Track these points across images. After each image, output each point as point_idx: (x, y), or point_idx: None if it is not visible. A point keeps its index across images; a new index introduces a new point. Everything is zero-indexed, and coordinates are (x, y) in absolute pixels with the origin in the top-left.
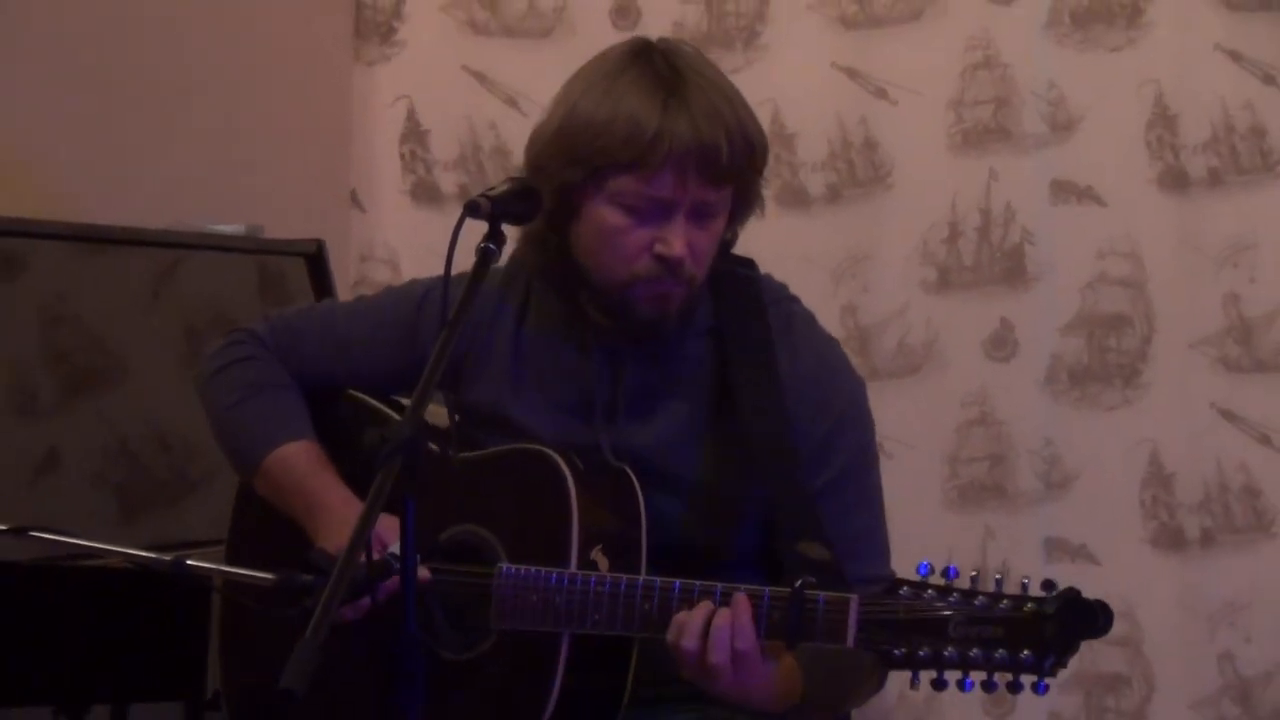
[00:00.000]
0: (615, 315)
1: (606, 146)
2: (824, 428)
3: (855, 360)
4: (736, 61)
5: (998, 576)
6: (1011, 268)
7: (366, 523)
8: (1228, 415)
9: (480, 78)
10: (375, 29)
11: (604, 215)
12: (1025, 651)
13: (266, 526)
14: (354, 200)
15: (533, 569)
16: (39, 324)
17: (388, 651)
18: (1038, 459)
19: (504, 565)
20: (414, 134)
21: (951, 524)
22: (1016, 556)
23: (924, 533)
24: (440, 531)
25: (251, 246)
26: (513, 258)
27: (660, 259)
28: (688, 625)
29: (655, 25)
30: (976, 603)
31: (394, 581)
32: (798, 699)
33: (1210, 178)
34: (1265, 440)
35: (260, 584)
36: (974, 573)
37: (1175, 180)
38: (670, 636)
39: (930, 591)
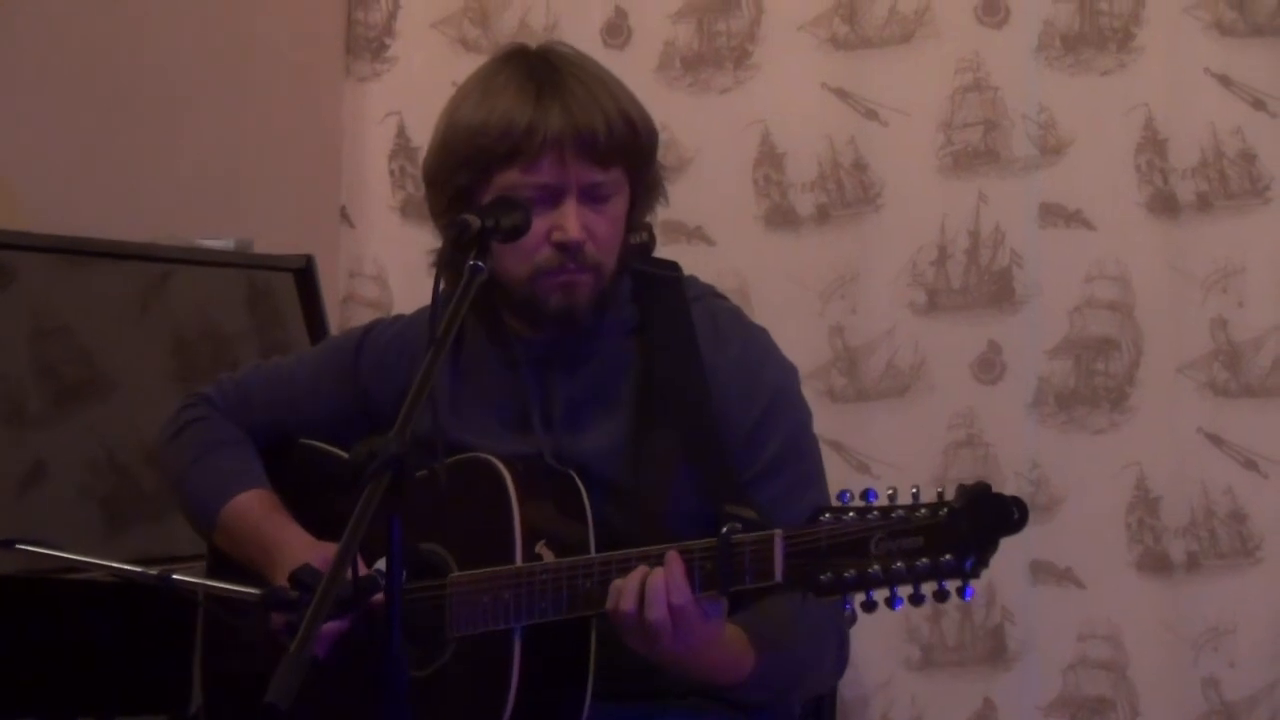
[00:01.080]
0: (528, 316)
1: (486, 145)
2: (753, 416)
3: (842, 382)
4: (727, 81)
5: (914, 489)
6: (1000, 290)
7: (353, 539)
8: (1214, 440)
9: None
10: (366, 45)
11: None
12: (946, 556)
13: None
14: (343, 216)
15: (480, 571)
16: (27, 336)
17: (369, 670)
18: (1024, 481)
19: (454, 574)
20: (404, 150)
21: None
22: (1001, 579)
23: None
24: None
25: (241, 261)
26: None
27: (559, 246)
28: (624, 588)
29: (646, 44)
30: (894, 515)
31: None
32: (748, 672)
33: (1199, 202)
34: (1251, 465)
35: (246, 599)
36: (890, 490)
37: (1164, 204)
38: (610, 604)
39: (851, 514)
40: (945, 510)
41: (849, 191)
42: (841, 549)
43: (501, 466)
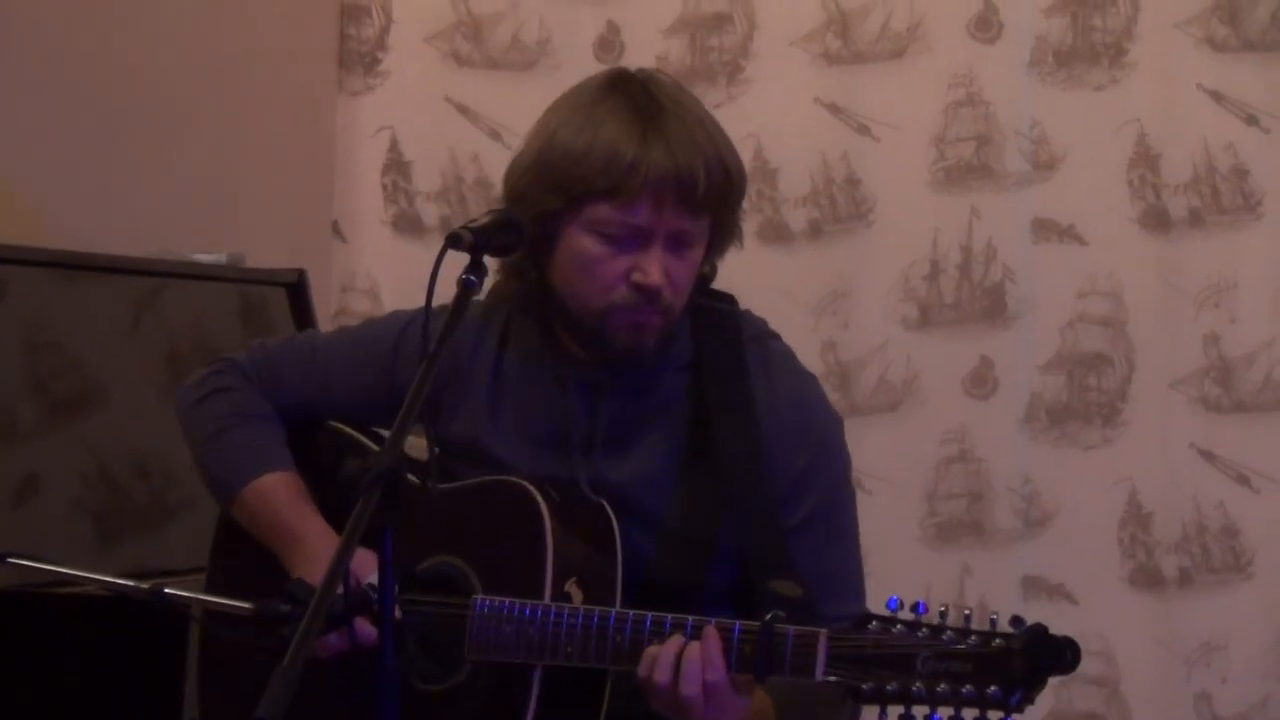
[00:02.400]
0: (591, 345)
1: (584, 175)
2: (800, 464)
3: (834, 397)
4: (719, 96)
5: (966, 612)
6: (992, 305)
7: (344, 554)
8: (1206, 455)
9: (463, 110)
10: (359, 60)
11: (581, 243)
12: (992, 687)
13: (248, 554)
14: (336, 230)
15: (506, 601)
16: (19, 350)
17: (364, 683)
18: (1016, 497)
19: (478, 597)
20: (396, 165)
21: (929, 561)
22: (994, 594)
23: (901, 569)
24: (417, 562)
25: (233, 275)
26: (493, 289)
27: (637, 287)
28: (660, 658)
29: (638, 58)
30: (944, 638)
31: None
32: None
33: (1191, 218)
34: (1243, 480)
35: (238, 613)
36: (943, 608)
37: (1157, 220)
38: (642, 671)
39: (899, 627)
40: (999, 642)
41: (841, 206)
42: (886, 661)
43: (539, 497)
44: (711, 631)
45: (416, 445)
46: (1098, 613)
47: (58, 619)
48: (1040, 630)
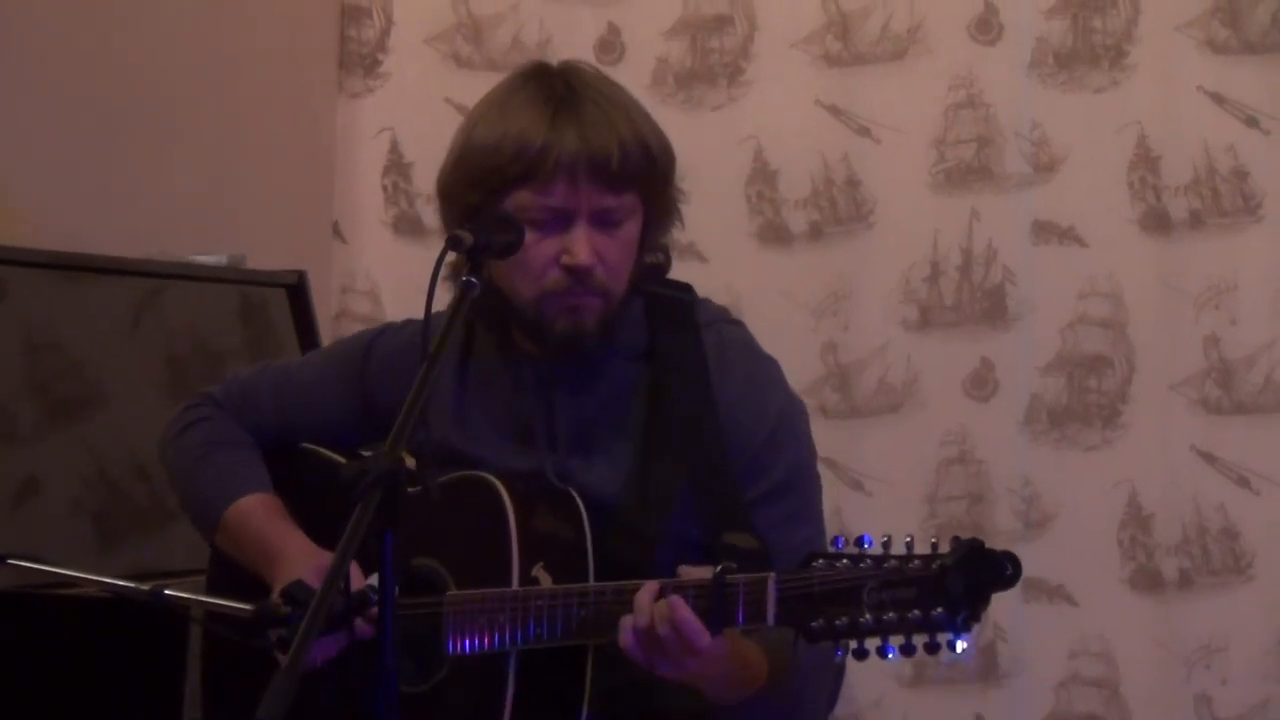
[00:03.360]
0: (537, 337)
1: (498, 164)
2: (758, 440)
3: (835, 398)
4: (720, 98)
5: (907, 538)
6: (992, 307)
7: (345, 555)
8: (1207, 457)
9: (464, 111)
10: (359, 61)
11: None
12: (937, 609)
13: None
14: (336, 232)
15: (476, 591)
16: (19, 351)
17: (362, 684)
18: (1016, 499)
19: (451, 593)
20: (397, 166)
21: None
22: (994, 596)
23: None
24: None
25: (233, 277)
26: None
27: (568, 270)
28: (635, 617)
29: (639, 61)
30: (887, 566)
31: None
32: (759, 688)
33: (1192, 220)
34: (1244, 482)
35: (238, 614)
36: (885, 538)
37: (1157, 222)
38: (623, 640)
39: (844, 561)
40: (938, 563)
41: (842, 208)
42: (834, 596)
43: (500, 486)
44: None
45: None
46: (1098, 614)
47: (58, 620)
48: (976, 545)
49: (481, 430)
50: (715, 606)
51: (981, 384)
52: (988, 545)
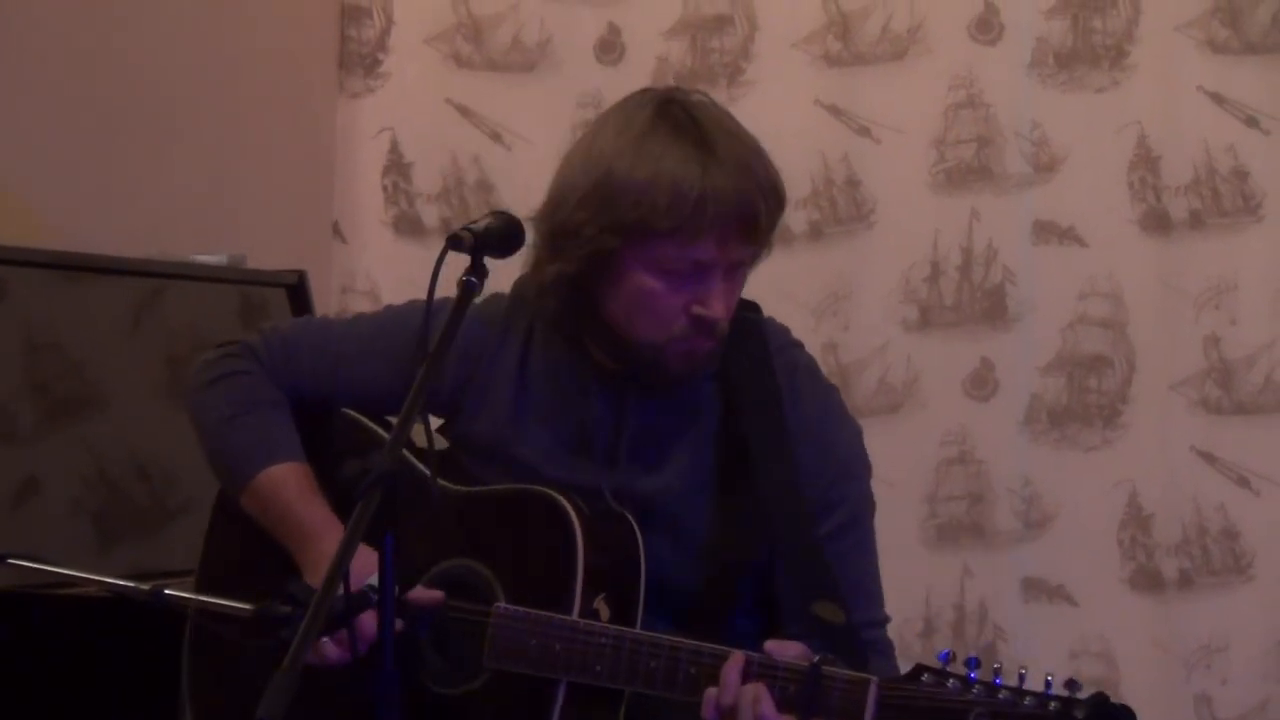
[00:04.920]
0: (639, 366)
1: (647, 214)
2: (829, 477)
3: None
4: (720, 98)
5: (1021, 671)
6: (992, 307)
7: (344, 557)
8: (1207, 457)
9: (464, 111)
10: (360, 61)
11: (642, 280)
12: None
13: (242, 541)
14: (336, 231)
15: (533, 612)
16: (19, 351)
17: (367, 685)
18: (1016, 499)
19: (501, 604)
20: (397, 166)
21: (930, 562)
22: (994, 596)
23: (902, 571)
24: (434, 563)
25: (233, 277)
26: (516, 292)
27: (697, 319)
28: (740, 708)
29: (639, 61)
30: (1000, 697)
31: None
32: None
33: (1192, 220)
34: (1244, 482)
35: (238, 614)
36: (996, 665)
37: (1157, 222)
38: (706, 712)
39: (953, 681)
40: (1056, 706)
41: (842, 208)
42: (938, 715)
43: (570, 510)
44: (761, 688)
45: (420, 432)
46: (1098, 615)
47: (58, 619)
48: (1102, 699)
49: (536, 433)
50: (807, 700)
51: (981, 384)
52: (1110, 700)
